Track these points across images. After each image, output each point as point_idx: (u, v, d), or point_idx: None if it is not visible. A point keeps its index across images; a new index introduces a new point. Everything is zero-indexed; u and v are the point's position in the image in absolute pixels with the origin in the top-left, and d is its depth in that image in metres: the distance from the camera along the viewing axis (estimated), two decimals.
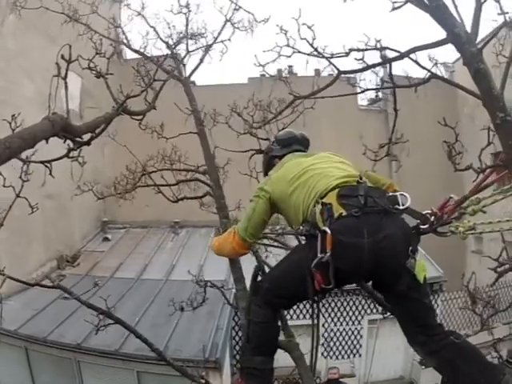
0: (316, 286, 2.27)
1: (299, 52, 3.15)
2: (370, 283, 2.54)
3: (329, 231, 2.19)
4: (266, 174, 3.20)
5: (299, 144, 3.09)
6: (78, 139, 2.29)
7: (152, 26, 5.59)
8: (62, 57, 2.33)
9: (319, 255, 2.20)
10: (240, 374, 2.70)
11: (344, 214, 2.26)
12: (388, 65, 2.93)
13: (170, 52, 5.38)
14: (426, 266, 2.32)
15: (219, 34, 5.55)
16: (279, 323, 2.79)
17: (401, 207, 2.37)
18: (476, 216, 2.28)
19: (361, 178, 2.45)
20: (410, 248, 2.27)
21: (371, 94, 20.01)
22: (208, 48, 5.51)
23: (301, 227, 2.54)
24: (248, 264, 4.68)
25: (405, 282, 2.25)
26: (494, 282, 2.20)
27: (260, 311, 2.58)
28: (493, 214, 2.15)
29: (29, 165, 2.78)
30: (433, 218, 2.35)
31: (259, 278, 2.86)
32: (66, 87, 2.31)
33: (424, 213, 2.39)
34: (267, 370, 2.57)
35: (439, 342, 2.28)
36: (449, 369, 2.31)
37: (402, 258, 2.24)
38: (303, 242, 2.62)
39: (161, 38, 5.49)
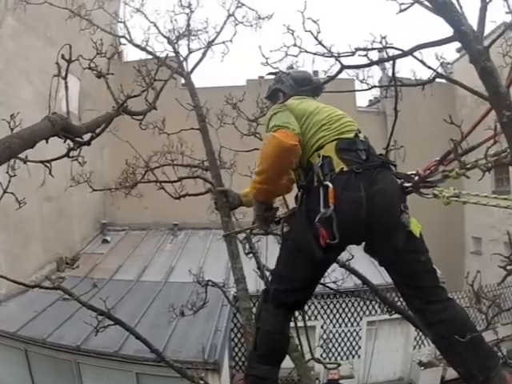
0: (321, 243, 2.21)
1: (306, 51, 3.14)
2: (363, 248, 2.43)
3: (331, 185, 2.19)
4: (267, 98, 3.18)
5: (311, 91, 2.94)
6: (78, 139, 2.29)
7: (152, 22, 5.56)
8: (63, 57, 2.33)
9: (322, 210, 2.18)
10: (244, 381, 2.60)
11: (345, 169, 2.25)
12: (392, 62, 2.92)
13: (171, 47, 5.34)
14: (418, 222, 2.32)
15: (222, 28, 5.51)
16: (289, 333, 2.64)
17: (394, 162, 2.41)
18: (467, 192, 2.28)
19: (359, 132, 2.45)
20: (402, 204, 2.27)
21: (374, 94, 20.01)
22: (210, 43, 5.47)
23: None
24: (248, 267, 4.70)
25: (401, 238, 2.21)
26: (503, 280, 2.17)
27: (270, 319, 2.50)
28: (492, 211, 2.16)
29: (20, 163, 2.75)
30: (417, 177, 2.36)
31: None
32: (67, 87, 2.31)
33: (408, 173, 2.40)
34: (272, 379, 2.48)
35: (437, 313, 2.20)
36: (443, 344, 2.25)
37: (396, 213, 2.23)
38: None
39: (162, 34, 5.46)
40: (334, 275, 4.96)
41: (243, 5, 5.51)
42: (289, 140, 2.34)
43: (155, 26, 5.53)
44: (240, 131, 5.24)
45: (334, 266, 3.51)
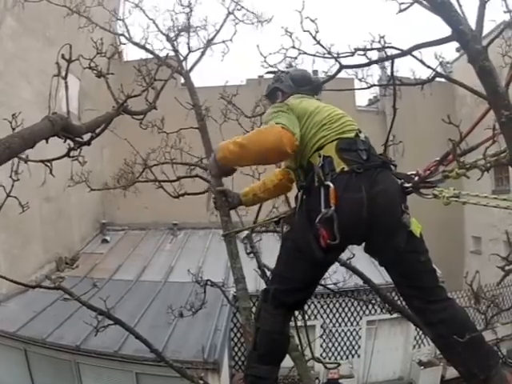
0: (322, 243, 2.20)
1: (305, 53, 3.14)
2: (363, 248, 2.43)
3: (332, 186, 2.18)
4: (266, 97, 3.14)
5: (310, 90, 2.91)
6: (78, 139, 2.29)
7: (151, 19, 5.53)
8: (63, 56, 2.33)
9: (323, 210, 2.17)
10: (243, 380, 2.56)
11: (346, 169, 2.25)
12: (390, 62, 2.92)
13: (170, 45, 5.31)
14: (418, 222, 2.31)
15: (221, 26, 5.48)
16: (289, 332, 2.63)
17: (394, 162, 2.41)
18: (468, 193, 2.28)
19: (360, 131, 2.44)
20: (403, 204, 2.26)
21: (373, 94, 20.03)
22: (210, 41, 5.44)
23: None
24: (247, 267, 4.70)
25: (402, 238, 2.21)
26: (501, 281, 2.17)
27: (269, 319, 2.49)
28: (492, 210, 2.16)
29: (21, 163, 2.74)
30: (417, 178, 2.35)
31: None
32: (67, 87, 2.30)
33: (408, 173, 2.40)
34: (272, 379, 2.47)
35: (437, 313, 2.20)
36: (443, 344, 2.26)
37: (397, 213, 2.23)
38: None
39: (161, 31, 5.43)
40: (335, 277, 4.96)
41: (242, 7, 5.51)
42: (289, 147, 2.31)
43: (154, 23, 5.51)
44: (244, 128, 5.26)
45: (336, 267, 3.52)
